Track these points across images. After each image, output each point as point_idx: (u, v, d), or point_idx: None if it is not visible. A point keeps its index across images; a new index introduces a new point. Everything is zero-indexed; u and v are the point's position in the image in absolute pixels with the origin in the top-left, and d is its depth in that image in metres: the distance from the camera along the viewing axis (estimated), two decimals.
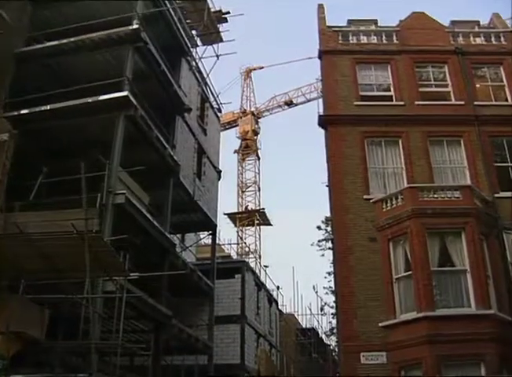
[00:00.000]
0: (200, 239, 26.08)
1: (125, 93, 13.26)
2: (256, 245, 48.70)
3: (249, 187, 52.54)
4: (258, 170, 53.10)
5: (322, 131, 16.45)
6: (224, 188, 32.37)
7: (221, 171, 22.18)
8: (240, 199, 51.82)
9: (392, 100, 16.66)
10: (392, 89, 16.88)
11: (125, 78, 13.67)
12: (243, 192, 52.32)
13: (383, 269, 13.73)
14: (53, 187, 12.22)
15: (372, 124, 15.89)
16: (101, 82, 13.02)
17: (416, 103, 16.46)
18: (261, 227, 49.99)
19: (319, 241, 33.70)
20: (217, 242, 22.56)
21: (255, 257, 43.91)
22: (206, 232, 22.68)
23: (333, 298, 29.76)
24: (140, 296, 12.71)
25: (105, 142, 12.83)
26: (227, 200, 75.37)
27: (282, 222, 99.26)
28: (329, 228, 30.07)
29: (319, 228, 33.48)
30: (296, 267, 66.81)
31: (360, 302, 13.46)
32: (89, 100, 13.22)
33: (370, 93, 16.95)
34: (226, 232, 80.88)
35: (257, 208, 50.00)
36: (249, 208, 50.66)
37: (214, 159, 21.70)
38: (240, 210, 50.43)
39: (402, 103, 16.50)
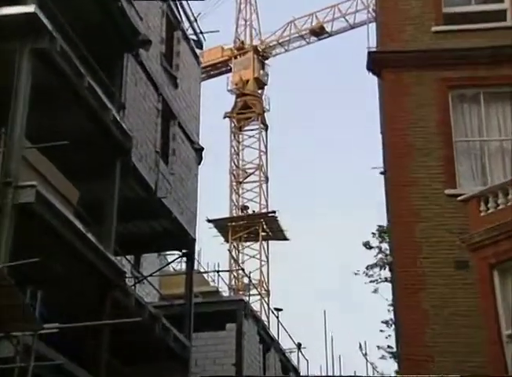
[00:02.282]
0: (168, 264, 26.01)
1: (30, 9, 13.09)
2: (261, 273, 48.73)
3: (249, 175, 52.57)
4: (265, 146, 53.22)
5: (374, 79, 16.59)
6: (207, 178, 31.84)
7: (202, 149, 22.47)
8: (235, 196, 51.87)
9: (504, 20, 16.25)
10: None
11: None
12: (239, 183, 52.33)
13: (484, 317, 13.62)
14: None
15: (463, 65, 15.62)
16: None
17: None
18: (270, 242, 50.06)
19: (368, 268, 33.41)
20: (196, 268, 22.93)
21: (260, 293, 43.73)
22: (177, 252, 22.75)
23: (394, 367, 29.63)
24: (59, 363, 12.52)
25: None
26: (213, 197, 74.95)
27: (304, 235, 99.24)
28: (385, 246, 29.85)
29: (367, 246, 33.23)
30: (329, 311, 66.58)
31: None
32: None
33: (462, 8, 16.68)
34: (211, 250, 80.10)
35: (264, 211, 49.95)
36: (249, 211, 50.63)
37: (191, 129, 22.05)
38: (235, 215, 50.41)
39: None
